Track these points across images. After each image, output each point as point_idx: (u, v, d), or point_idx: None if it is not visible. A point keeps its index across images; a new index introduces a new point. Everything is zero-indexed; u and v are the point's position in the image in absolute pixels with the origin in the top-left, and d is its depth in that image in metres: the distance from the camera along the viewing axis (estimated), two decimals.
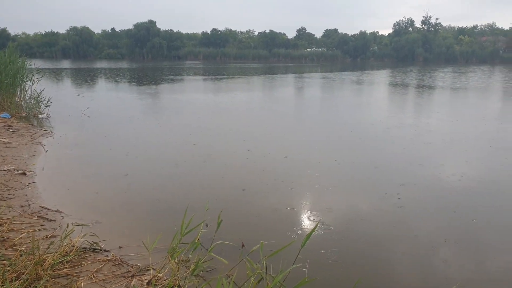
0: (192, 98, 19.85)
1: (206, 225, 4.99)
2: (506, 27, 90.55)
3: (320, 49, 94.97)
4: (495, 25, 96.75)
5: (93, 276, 3.89)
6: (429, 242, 4.97)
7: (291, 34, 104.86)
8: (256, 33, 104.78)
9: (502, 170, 7.96)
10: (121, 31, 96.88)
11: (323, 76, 39.63)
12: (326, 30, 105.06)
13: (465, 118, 14.47)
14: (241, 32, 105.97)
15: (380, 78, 36.35)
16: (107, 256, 4.34)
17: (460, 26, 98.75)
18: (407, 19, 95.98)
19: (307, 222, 5.45)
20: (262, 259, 3.66)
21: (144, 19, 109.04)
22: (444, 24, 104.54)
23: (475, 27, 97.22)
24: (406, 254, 4.69)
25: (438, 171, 7.80)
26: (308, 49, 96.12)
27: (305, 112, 16.43)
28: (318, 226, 5.28)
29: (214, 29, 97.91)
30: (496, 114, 15.85)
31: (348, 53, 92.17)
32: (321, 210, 5.84)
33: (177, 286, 3.75)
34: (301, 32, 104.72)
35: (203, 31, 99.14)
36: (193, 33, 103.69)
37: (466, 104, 19.19)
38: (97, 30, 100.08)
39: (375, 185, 7.06)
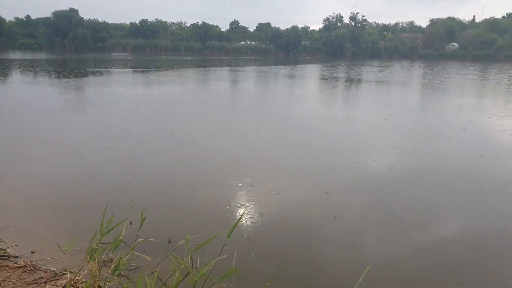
0: (119, 91, 18.89)
1: (131, 223, 4.75)
2: (423, 25, 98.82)
3: (253, 43, 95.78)
4: (414, 23, 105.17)
5: None
6: (351, 228, 5.25)
7: (224, 27, 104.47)
8: (188, 24, 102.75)
9: (424, 160, 8.66)
10: (38, 19, 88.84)
11: (258, 69, 40.08)
12: (259, 24, 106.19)
13: (389, 110, 15.55)
14: (172, 23, 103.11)
15: (312, 72, 37.68)
16: (17, 262, 3.96)
17: (384, 23, 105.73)
18: (336, 14, 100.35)
19: (234, 214, 5.46)
20: (187, 254, 3.57)
21: (64, 6, 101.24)
22: (370, 20, 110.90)
23: (397, 24, 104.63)
24: (330, 241, 4.90)
25: (366, 162, 8.27)
26: (242, 42, 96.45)
27: (239, 106, 16.46)
28: (247, 217, 5.31)
29: (143, 20, 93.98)
30: (416, 106, 17.23)
31: (281, 47, 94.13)
32: (249, 202, 5.88)
33: (97, 287, 3.52)
34: (235, 25, 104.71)
35: (131, 22, 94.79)
36: (121, 24, 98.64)
37: (390, 97, 20.62)
38: (8, 17, 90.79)
39: (304, 176, 7.28)
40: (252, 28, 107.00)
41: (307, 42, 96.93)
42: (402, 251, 4.66)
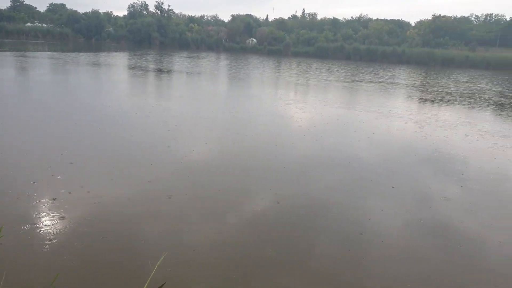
0: None
1: None
2: (226, 20, 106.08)
3: (45, 25, 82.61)
4: (218, 17, 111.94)
5: None
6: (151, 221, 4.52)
7: (4, 4, 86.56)
8: None
9: (234, 147, 8.67)
10: None
11: (53, 56, 34.45)
12: (51, 4, 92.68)
13: (201, 100, 15.48)
14: None
15: (118, 61, 34.87)
16: None
17: (190, 14, 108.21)
18: (142, 2, 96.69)
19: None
20: None
21: None
22: (176, 11, 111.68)
23: (202, 16, 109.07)
24: (125, 231, 4.05)
25: (181, 150, 7.79)
26: (29, 24, 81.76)
27: (30, 98, 13.32)
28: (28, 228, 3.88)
29: None
30: (225, 96, 17.77)
31: (80, 32, 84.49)
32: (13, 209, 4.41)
33: None
34: (18, 2, 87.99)
35: None
36: None
37: (200, 88, 20.70)
38: None
39: (115, 169, 6.10)
40: (41, 8, 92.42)
41: (111, 29, 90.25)
42: (219, 232, 4.58)
